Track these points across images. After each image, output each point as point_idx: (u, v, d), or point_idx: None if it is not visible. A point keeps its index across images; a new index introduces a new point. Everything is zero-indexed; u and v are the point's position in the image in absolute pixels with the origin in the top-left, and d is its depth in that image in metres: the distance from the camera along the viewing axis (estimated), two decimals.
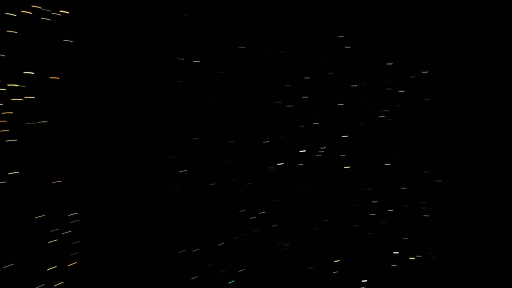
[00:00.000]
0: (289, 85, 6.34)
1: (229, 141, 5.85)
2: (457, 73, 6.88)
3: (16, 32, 4.25)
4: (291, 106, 6.36)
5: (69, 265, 4.68)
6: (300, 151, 6.41)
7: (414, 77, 6.95)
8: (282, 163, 6.25)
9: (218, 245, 5.78)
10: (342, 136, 6.66)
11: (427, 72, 6.93)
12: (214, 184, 5.75)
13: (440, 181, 6.97)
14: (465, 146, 6.88)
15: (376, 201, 6.92)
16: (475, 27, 6.86)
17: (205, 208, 5.66)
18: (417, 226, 6.94)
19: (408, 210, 7.03)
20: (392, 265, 6.94)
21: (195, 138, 5.60)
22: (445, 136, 6.90)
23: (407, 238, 6.99)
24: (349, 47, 6.73)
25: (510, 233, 6.65)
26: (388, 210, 7.00)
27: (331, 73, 6.63)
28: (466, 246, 6.81)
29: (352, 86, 6.75)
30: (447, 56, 6.91)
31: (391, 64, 6.92)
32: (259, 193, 6.10)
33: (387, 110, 6.94)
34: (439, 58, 6.93)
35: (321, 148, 6.54)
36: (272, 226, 6.18)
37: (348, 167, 6.70)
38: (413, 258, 6.97)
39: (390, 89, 6.94)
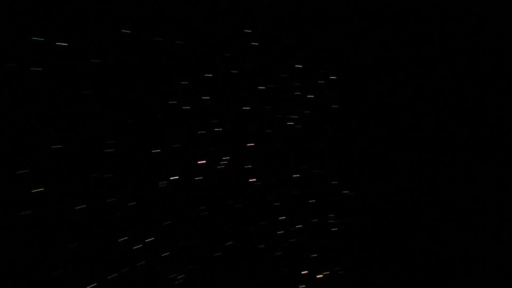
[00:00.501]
0: (186, 83, 4.07)
1: (106, 150, 3.49)
2: (364, 78, 5.15)
3: None
4: (188, 107, 4.09)
5: None
6: (199, 162, 4.15)
7: (323, 82, 4.86)
8: (177, 177, 3.96)
9: (89, 287, 3.39)
10: (248, 145, 4.50)
11: (335, 77, 4.89)
12: (84, 206, 3.37)
13: (347, 192, 5.05)
14: (373, 155, 5.20)
15: (284, 217, 4.74)
16: (385, 32, 5.15)
17: (71, 240, 3.28)
18: (325, 241, 4.98)
19: (316, 225, 4.97)
20: (301, 286, 4.98)
21: (56, 146, 3.21)
22: (353, 144, 5.12)
23: (316, 255, 4.87)
24: (256, 44, 4.57)
25: (420, 245, 5.16)
26: (297, 226, 4.86)
27: (236, 71, 4.44)
28: (374, 260, 5.15)
29: (259, 88, 4.59)
30: (356, 61, 5.12)
31: (300, 66, 4.76)
32: (146, 215, 3.77)
33: (296, 117, 4.80)
34: (348, 63, 5.08)
35: (223, 158, 4.33)
36: (163, 255, 3.86)
37: (254, 179, 4.55)
38: (321, 276, 4.94)
39: (299, 93, 4.81)
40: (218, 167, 4.11)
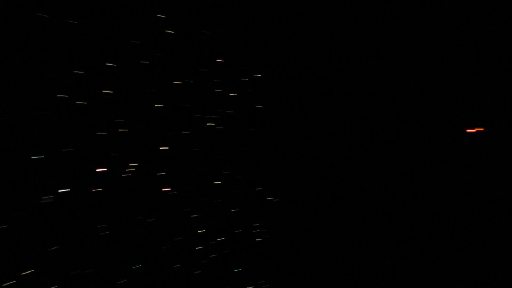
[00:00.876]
0: (82, 72, 2.91)
1: None
2: (291, 76, 4.31)
3: None
4: (83, 103, 2.93)
5: None
6: (98, 170, 3.00)
7: (246, 79, 4.05)
8: (67, 189, 2.78)
9: None
10: (161, 148, 3.42)
11: (260, 75, 4.10)
12: None
13: (272, 198, 4.28)
14: (300, 158, 4.37)
15: (203, 230, 3.81)
16: (310, 30, 4.35)
17: None
18: (249, 253, 4.14)
19: (240, 236, 4.11)
20: None
21: None
22: (279, 147, 4.26)
23: (239, 270, 4.06)
24: (172, 31, 3.52)
25: (350, 251, 4.39)
26: (218, 240, 3.92)
27: (147, 62, 3.36)
28: (302, 270, 4.33)
29: (175, 82, 3.53)
30: (282, 57, 4.25)
31: (223, 61, 3.85)
32: (23, 241, 2.57)
33: (218, 117, 3.91)
34: (274, 59, 4.20)
35: (130, 165, 3.21)
36: None
37: (169, 189, 3.49)
38: None
39: (221, 91, 3.92)
40: (123, 175, 2.98)
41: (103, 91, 2.90)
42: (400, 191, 4.48)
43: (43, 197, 2.51)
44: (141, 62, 3.17)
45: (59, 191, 2.63)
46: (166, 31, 3.37)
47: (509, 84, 4.01)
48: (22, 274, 2.40)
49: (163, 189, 3.31)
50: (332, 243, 4.42)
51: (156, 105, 3.26)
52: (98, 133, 2.85)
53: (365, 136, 4.52)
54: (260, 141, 4.14)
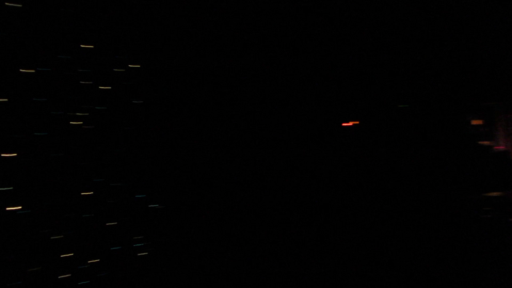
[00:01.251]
0: None
1: None
2: (173, 69, 3.61)
3: None
4: None
5: None
6: None
7: (123, 70, 3.33)
8: None
9: None
10: (4, 155, 2.48)
11: (139, 66, 3.38)
12: None
13: (157, 205, 3.53)
14: (183, 160, 3.70)
15: (70, 254, 3.02)
16: (202, 14, 3.70)
17: None
18: (131, 272, 3.35)
19: (119, 253, 3.34)
20: None
21: None
22: (159, 147, 3.55)
23: None
24: (19, 5, 2.59)
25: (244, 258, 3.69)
26: (90, 262, 3.15)
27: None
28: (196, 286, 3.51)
29: (24, 70, 2.63)
30: (165, 46, 3.56)
31: (92, 47, 3.13)
32: None
33: (87, 114, 3.16)
34: (154, 48, 3.48)
35: None
36: None
37: (18, 207, 2.55)
38: None
39: (90, 82, 3.17)
40: None
41: None
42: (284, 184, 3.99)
43: None
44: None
45: None
46: (7, 4, 2.41)
47: (381, 81, 3.87)
48: None
49: (8, 208, 2.34)
50: (228, 250, 3.77)
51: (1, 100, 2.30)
52: None
53: (249, 131, 4.00)
54: (138, 141, 3.33)
